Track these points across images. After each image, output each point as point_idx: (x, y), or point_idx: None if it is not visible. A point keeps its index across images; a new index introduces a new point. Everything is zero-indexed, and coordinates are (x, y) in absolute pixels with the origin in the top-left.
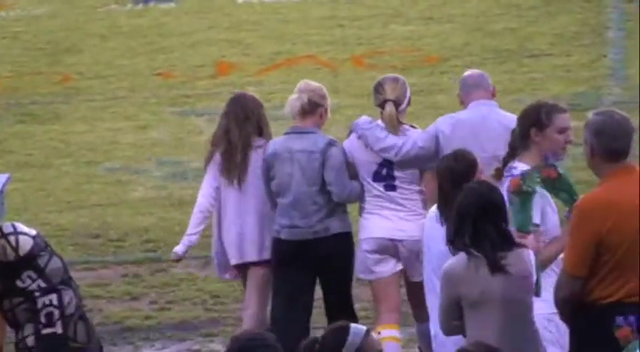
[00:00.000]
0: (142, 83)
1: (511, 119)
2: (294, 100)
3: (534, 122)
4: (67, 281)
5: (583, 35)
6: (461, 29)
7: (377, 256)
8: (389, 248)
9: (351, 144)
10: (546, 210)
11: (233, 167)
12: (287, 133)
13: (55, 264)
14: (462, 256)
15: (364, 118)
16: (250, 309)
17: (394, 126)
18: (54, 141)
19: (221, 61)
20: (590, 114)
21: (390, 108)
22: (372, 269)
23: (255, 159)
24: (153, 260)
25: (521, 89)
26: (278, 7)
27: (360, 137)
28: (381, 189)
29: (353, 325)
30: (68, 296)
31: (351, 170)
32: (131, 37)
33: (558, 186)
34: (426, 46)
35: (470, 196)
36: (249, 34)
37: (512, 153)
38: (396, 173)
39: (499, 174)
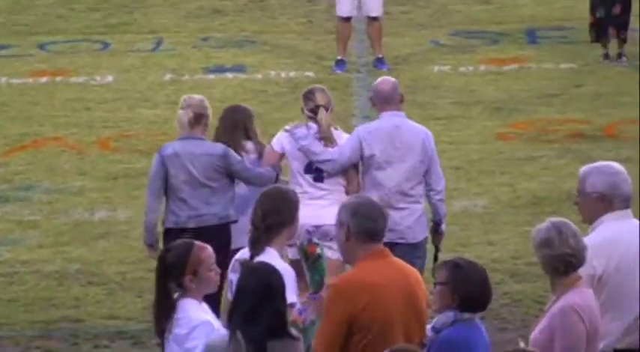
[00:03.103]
0: None
1: (420, 129)
2: (182, 115)
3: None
4: None
5: None
6: None
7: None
8: (310, 233)
9: (288, 140)
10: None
11: None
12: (182, 139)
13: None
14: (225, 334)
15: (301, 131)
16: None
17: (327, 129)
18: None
19: None
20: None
21: (323, 112)
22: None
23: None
24: None
25: None
26: (25, 89)
27: (299, 149)
28: (310, 180)
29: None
30: None
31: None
32: None
33: (317, 266)
34: (171, 130)
35: (250, 277)
36: None
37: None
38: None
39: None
